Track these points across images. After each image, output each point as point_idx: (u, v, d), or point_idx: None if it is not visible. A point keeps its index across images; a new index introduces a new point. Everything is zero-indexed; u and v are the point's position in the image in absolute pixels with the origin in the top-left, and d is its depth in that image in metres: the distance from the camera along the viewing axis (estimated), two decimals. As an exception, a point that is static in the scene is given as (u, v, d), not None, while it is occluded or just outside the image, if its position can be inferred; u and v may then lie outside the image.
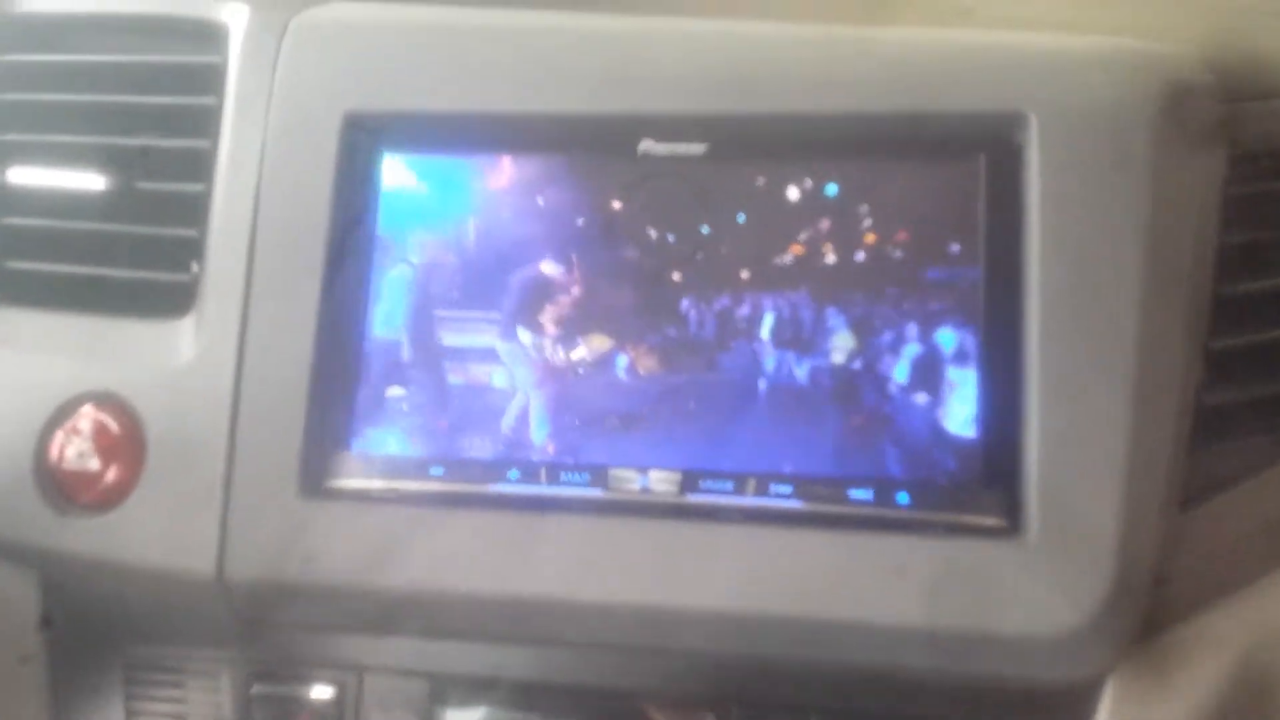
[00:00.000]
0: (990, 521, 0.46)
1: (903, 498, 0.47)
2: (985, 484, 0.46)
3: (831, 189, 0.49)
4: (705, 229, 0.50)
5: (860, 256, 0.49)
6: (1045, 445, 0.45)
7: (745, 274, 0.49)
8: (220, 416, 0.51)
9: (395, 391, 0.52)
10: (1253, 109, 0.48)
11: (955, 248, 0.48)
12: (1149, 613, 0.46)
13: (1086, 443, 0.45)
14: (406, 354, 0.53)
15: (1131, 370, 0.45)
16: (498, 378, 0.52)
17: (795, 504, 0.48)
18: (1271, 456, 0.48)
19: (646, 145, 0.50)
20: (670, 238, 0.50)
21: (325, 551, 0.49)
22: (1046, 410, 0.45)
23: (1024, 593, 0.44)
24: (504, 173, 0.52)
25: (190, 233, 0.55)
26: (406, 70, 0.52)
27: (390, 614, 0.48)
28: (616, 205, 0.51)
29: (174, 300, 0.55)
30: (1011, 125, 0.47)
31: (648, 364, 0.50)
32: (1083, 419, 0.45)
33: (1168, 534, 0.45)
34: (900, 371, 0.48)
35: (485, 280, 0.52)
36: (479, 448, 0.51)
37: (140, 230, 0.56)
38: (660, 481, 0.49)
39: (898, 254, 0.48)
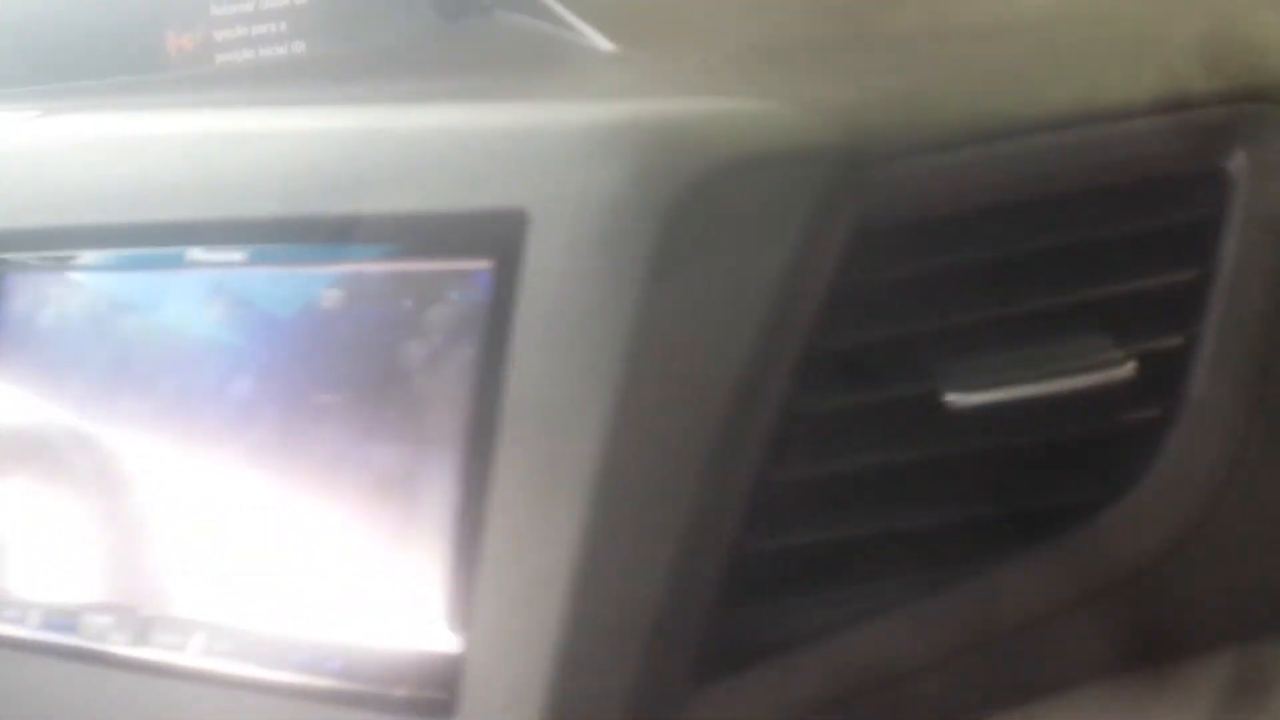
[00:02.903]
0: (424, 694, 0.36)
1: (334, 665, 0.37)
2: (424, 650, 0.36)
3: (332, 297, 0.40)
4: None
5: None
6: (489, 601, 0.35)
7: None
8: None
9: None
10: (883, 173, 0.36)
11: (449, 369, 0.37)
12: None
13: (530, 602, 0.34)
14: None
15: (589, 514, 0.34)
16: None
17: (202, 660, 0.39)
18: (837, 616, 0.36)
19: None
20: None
21: None
22: (496, 559, 0.35)
23: None
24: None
25: None
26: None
27: None
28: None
29: None
30: (517, 225, 0.37)
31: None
32: (532, 567, 0.34)
33: (666, 715, 0.35)
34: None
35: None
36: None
37: None
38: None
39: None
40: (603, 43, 0.47)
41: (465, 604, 0.35)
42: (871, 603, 0.36)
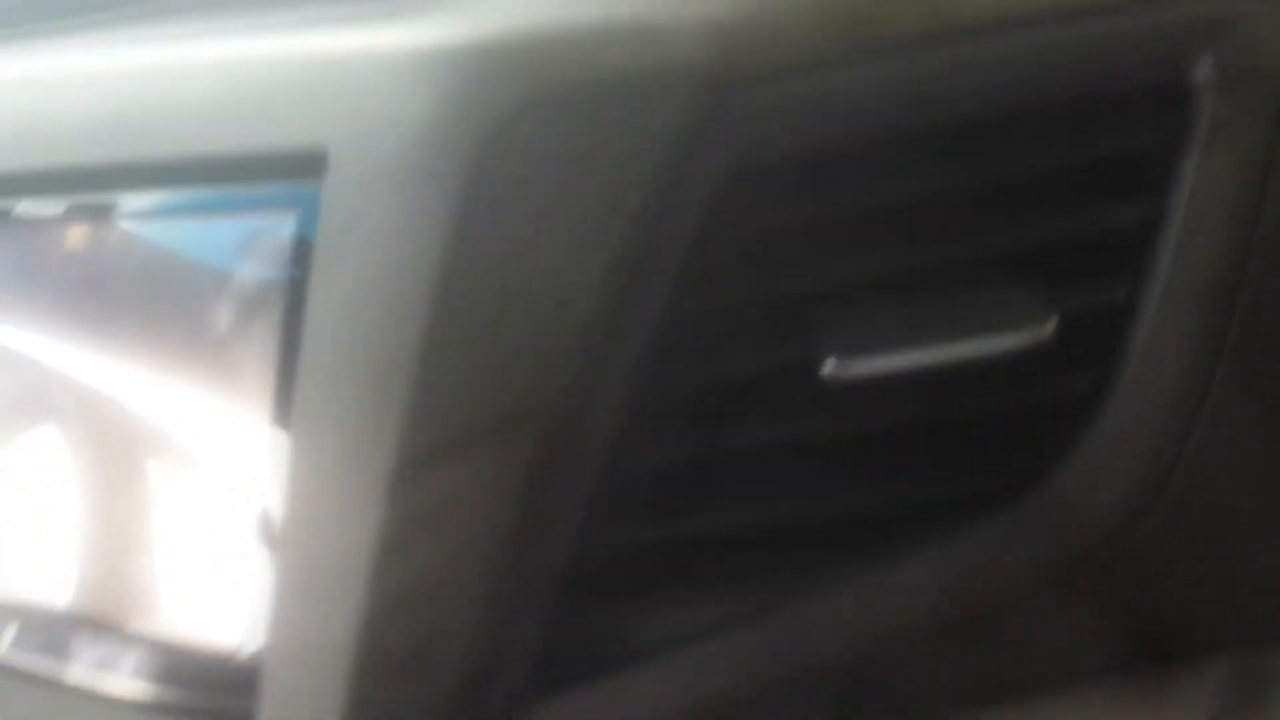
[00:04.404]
0: (223, 704, 0.31)
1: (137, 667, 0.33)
2: (224, 658, 0.32)
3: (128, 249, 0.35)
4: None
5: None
6: (288, 605, 0.30)
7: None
8: None
9: None
10: (761, 98, 0.30)
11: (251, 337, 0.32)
12: None
13: (330, 606, 0.29)
14: None
15: (390, 506, 0.29)
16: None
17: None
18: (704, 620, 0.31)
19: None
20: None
21: None
22: (293, 557, 0.30)
23: None
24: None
25: None
26: None
27: None
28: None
29: None
30: (315, 164, 0.31)
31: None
32: (331, 566, 0.30)
33: None
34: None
35: None
36: None
37: None
38: None
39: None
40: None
41: (264, 608, 0.31)
42: (736, 607, 0.31)
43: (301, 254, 0.31)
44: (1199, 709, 0.34)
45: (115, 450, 0.35)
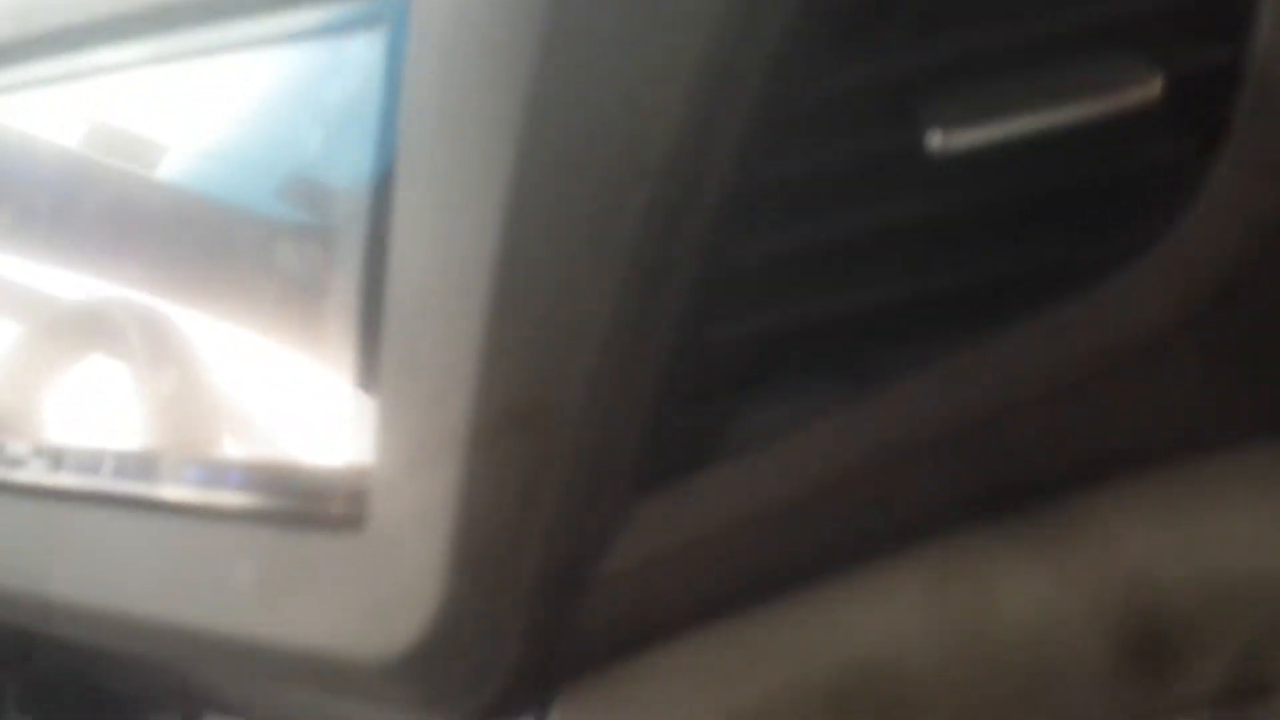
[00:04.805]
0: (329, 509, 0.31)
1: (235, 478, 0.34)
2: (329, 465, 0.32)
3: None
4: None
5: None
6: (394, 407, 0.30)
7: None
8: None
9: None
10: None
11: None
12: (600, 637, 0.32)
13: (437, 407, 0.29)
14: None
15: (492, 306, 0.29)
16: None
17: (111, 483, 0.36)
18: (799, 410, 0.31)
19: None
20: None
21: None
22: (398, 361, 0.30)
23: (357, 602, 0.31)
24: None
25: None
26: None
27: None
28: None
29: None
30: None
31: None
32: (436, 371, 0.29)
33: (604, 526, 0.31)
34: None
35: None
36: None
37: None
38: None
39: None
40: None
41: (368, 414, 0.30)
42: (840, 392, 0.30)
43: (392, 70, 0.31)
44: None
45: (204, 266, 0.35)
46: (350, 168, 0.32)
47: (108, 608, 0.35)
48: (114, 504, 0.35)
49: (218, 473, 0.33)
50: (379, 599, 0.30)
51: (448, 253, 0.30)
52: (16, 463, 0.37)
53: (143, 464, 0.34)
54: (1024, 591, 0.31)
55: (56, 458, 0.36)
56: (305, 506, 0.31)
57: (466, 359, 0.29)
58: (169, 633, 0.34)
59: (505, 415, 0.29)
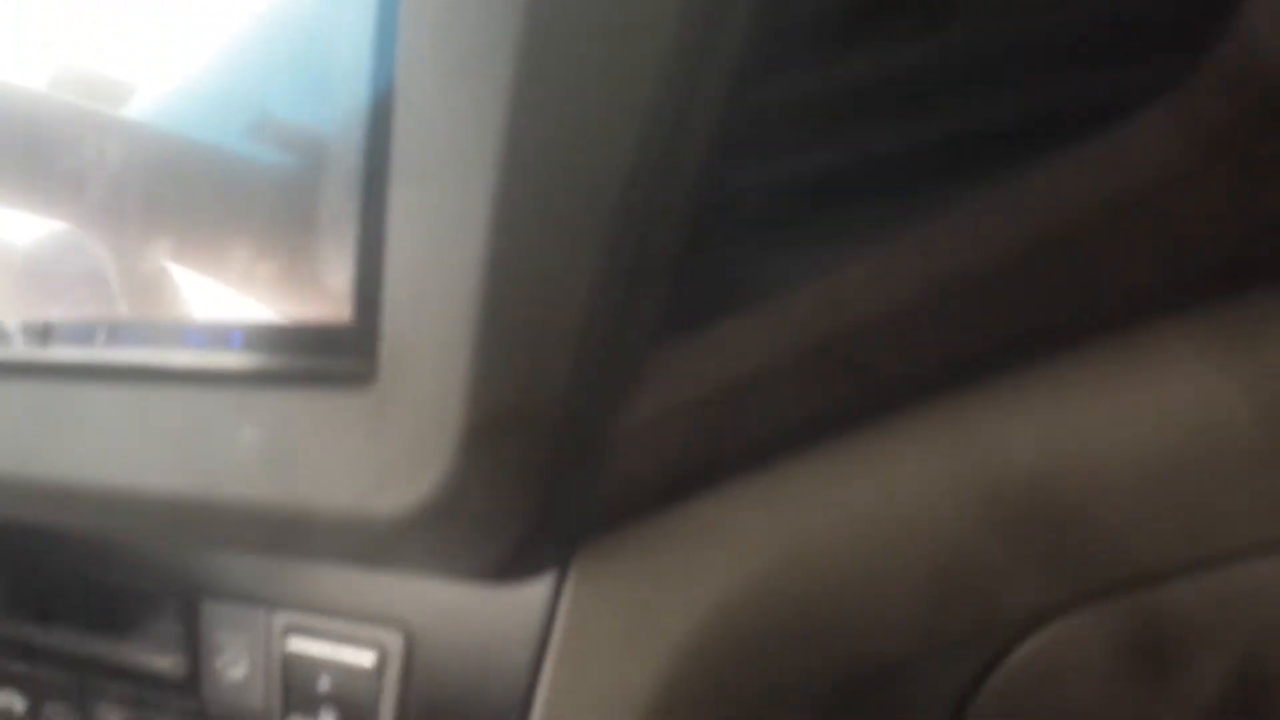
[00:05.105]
0: (337, 366, 0.30)
1: (236, 339, 0.32)
2: (332, 321, 0.31)
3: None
4: None
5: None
6: (400, 238, 0.29)
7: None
8: None
9: None
10: None
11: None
12: (619, 494, 0.31)
13: (448, 247, 0.28)
14: None
15: (509, 138, 0.28)
16: None
17: (106, 354, 0.35)
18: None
19: None
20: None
21: None
22: (404, 204, 0.29)
23: (368, 459, 0.30)
24: None
25: None
26: None
27: None
28: None
29: None
30: None
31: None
32: (448, 207, 0.28)
33: (622, 377, 0.30)
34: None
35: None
36: None
37: None
38: None
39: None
40: None
41: (375, 263, 0.29)
42: (865, 233, 0.30)
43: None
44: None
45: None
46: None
47: (108, 487, 0.34)
48: (110, 376, 0.34)
49: (220, 335, 0.32)
50: (391, 455, 0.29)
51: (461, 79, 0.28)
52: (1, 339, 0.36)
53: (139, 331, 0.33)
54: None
55: (44, 331, 0.35)
56: (312, 365, 0.30)
57: (479, 204, 0.28)
58: (173, 507, 0.33)
59: (517, 266, 0.28)
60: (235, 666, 0.40)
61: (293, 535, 0.32)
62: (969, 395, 0.32)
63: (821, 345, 0.30)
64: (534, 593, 0.34)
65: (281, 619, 0.38)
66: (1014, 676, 0.32)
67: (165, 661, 0.42)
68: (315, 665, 0.38)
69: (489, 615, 0.35)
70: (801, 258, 0.30)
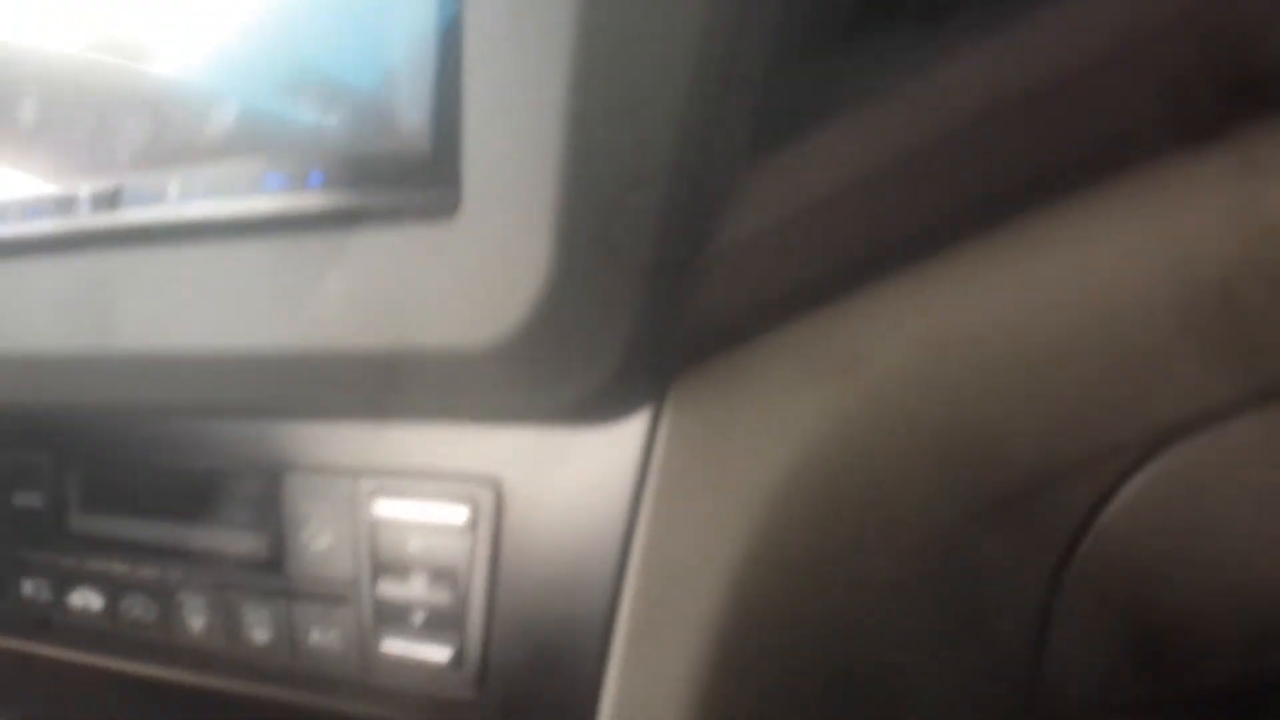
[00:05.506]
0: (422, 199, 0.29)
1: (316, 179, 0.31)
2: (415, 151, 0.30)
3: None
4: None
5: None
6: (478, 58, 0.28)
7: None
8: None
9: None
10: None
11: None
12: (713, 320, 0.31)
13: (530, 57, 0.27)
14: None
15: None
16: None
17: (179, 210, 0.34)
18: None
19: None
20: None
21: None
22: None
23: (459, 290, 0.29)
24: None
25: None
26: None
27: None
28: None
29: None
30: None
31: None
32: (527, 14, 0.27)
33: (715, 195, 0.29)
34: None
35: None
36: None
37: None
38: None
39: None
40: None
41: (453, 86, 0.28)
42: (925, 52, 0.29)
43: None
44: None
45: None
46: None
47: (193, 354, 0.34)
48: (185, 234, 0.33)
49: (298, 176, 0.31)
50: (481, 287, 0.29)
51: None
52: (67, 206, 0.35)
53: (213, 181, 0.32)
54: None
55: (113, 195, 0.34)
56: (395, 200, 0.29)
57: (562, 17, 0.27)
58: (264, 367, 0.33)
59: (604, 82, 0.27)
60: (320, 537, 0.39)
61: (389, 382, 0.31)
62: (1156, 177, 0.30)
63: (912, 151, 0.29)
64: (626, 438, 0.34)
65: (367, 484, 0.38)
66: (1153, 486, 0.31)
67: (247, 541, 0.41)
68: (404, 527, 0.37)
69: (580, 467, 0.35)
70: (888, 67, 0.29)
